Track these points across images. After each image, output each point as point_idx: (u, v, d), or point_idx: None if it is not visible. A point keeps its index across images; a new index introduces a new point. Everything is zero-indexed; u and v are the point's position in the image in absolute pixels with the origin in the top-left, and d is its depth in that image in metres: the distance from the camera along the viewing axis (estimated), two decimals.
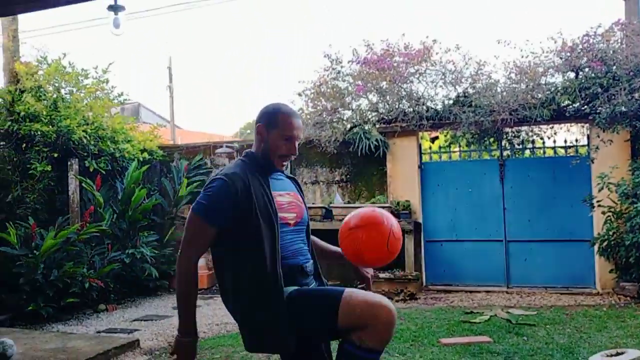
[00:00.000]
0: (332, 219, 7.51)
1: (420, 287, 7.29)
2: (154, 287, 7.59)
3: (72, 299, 6.22)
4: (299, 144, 2.29)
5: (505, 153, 7.64)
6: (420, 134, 7.92)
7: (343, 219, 7.48)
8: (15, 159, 7.20)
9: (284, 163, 2.29)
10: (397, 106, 7.93)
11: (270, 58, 50.45)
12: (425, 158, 7.99)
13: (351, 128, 8.00)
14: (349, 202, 7.84)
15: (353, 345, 2.00)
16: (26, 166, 7.05)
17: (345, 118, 8.24)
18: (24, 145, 7.27)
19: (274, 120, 2.23)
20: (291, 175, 2.49)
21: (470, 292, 7.27)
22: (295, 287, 2.15)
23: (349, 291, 2.05)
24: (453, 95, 7.85)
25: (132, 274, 7.18)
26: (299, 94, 8.50)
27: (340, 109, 8.24)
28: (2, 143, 7.44)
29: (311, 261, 2.32)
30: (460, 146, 8.04)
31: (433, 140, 8.45)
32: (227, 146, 8.54)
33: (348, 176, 8.09)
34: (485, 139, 7.68)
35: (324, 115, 8.17)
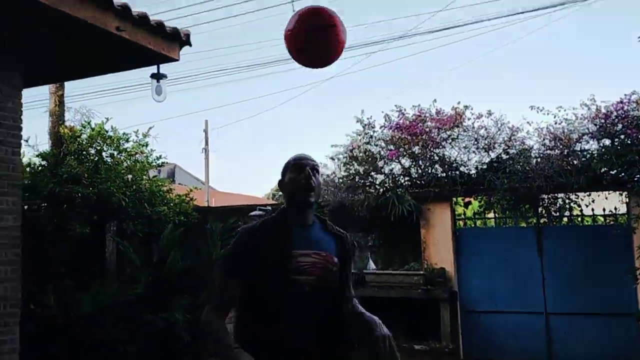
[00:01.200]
0: (365, 285, 7.40)
1: None
2: (186, 351, 7.49)
3: None
4: (315, 175, 2.25)
5: (542, 220, 7.51)
6: (454, 199, 7.88)
7: (377, 286, 7.40)
8: (55, 220, 7.38)
9: (310, 199, 2.21)
10: (429, 171, 7.96)
11: (303, 120, 51.57)
12: (460, 224, 7.90)
13: (384, 192, 8.00)
14: (382, 268, 7.76)
15: None
16: (66, 227, 7.21)
17: (377, 182, 8.28)
18: (64, 206, 7.46)
19: (285, 168, 2.31)
20: (339, 232, 2.33)
21: None
22: None
23: None
24: (486, 160, 7.85)
25: (165, 338, 7.12)
26: (332, 158, 8.63)
27: (372, 173, 8.30)
28: (43, 204, 7.66)
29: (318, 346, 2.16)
30: (495, 212, 7.95)
31: (467, 205, 8.39)
32: (260, 209, 8.62)
33: (381, 241, 8.04)
34: (521, 205, 7.58)
35: (357, 179, 8.24)
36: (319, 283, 2.15)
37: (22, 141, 5.30)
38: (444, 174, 7.84)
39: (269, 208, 8.66)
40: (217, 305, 2.17)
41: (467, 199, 8.20)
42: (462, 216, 8.05)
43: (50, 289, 6.31)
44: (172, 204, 8.34)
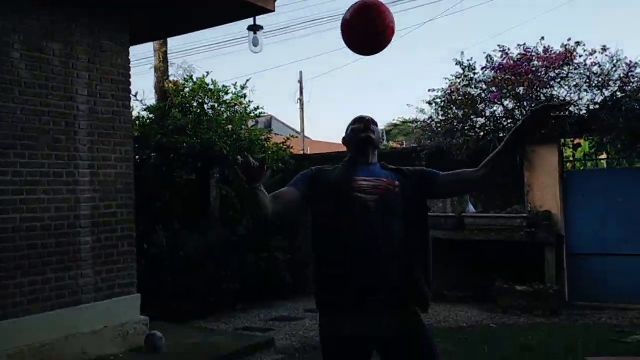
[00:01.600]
0: (464, 228, 7.26)
1: (562, 303, 6.79)
2: (286, 289, 7.83)
3: (213, 298, 6.60)
4: (372, 124, 2.47)
5: None
6: (562, 140, 7.42)
7: (476, 229, 7.21)
8: (164, 168, 7.83)
9: (370, 134, 2.42)
10: None
11: (397, 66, 50.54)
12: (567, 166, 7.46)
13: (484, 135, 7.70)
14: (482, 211, 7.53)
15: None
16: (173, 175, 7.63)
17: (477, 125, 7.96)
18: (172, 155, 7.88)
19: (347, 127, 2.54)
20: (397, 167, 2.47)
21: (622, 309, 6.59)
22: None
23: None
24: (599, 99, 7.28)
25: (266, 276, 7.46)
26: (429, 103, 8.37)
27: (472, 116, 7.98)
28: (152, 154, 8.13)
29: (392, 273, 2.23)
30: (607, 153, 7.41)
31: (576, 147, 7.89)
32: None
33: None
34: (637, 145, 7.00)
35: (455, 123, 7.96)
36: (381, 201, 2.28)
37: (131, 96, 5.61)
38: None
39: None
40: (273, 195, 2.37)
41: (576, 141, 7.70)
42: (571, 158, 7.58)
43: (161, 230, 6.77)
44: (270, 152, 8.55)
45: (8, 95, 4.43)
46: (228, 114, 8.59)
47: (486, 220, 7.13)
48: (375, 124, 2.51)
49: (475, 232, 7.02)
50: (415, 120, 9.44)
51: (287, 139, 9.43)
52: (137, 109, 9.10)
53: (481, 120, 8.00)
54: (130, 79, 5.53)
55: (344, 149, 2.56)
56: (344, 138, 2.55)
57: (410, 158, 8.04)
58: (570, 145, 7.69)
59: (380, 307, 2.21)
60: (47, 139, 4.67)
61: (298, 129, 16.87)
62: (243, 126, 8.64)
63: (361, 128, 2.44)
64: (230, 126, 8.38)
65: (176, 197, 7.55)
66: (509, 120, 7.78)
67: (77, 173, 4.89)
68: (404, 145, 11.95)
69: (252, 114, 9.05)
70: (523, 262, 7.06)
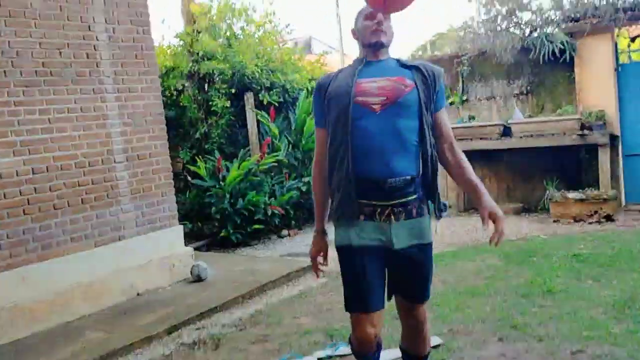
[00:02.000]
0: (511, 136, 6.90)
1: (618, 208, 6.45)
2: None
3: (257, 226, 6.61)
4: (386, 20, 2.22)
5: None
6: (616, 30, 6.78)
7: (524, 136, 6.84)
8: (199, 98, 7.69)
9: (381, 39, 2.21)
10: (586, 0, 6.86)
11: None
12: (623, 59, 6.86)
13: (531, 32, 7.16)
14: (530, 117, 7.11)
15: None
16: (209, 103, 7.50)
17: (523, 22, 7.38)
18: (205, 84, 7.72)
19: (357, 16, 2.31)
20: (414, 64, 2.26)
21: None
22: (349, 243, 2.21)
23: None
24: None
25: (309, 201, 7.39)
26: (469, 0, 7.81)
27: (517, 12, 7.39)
28: (186, 84, 7.99)
29: (398, 166, 2.10)
30: None
31: (633, 39, 7.21)
32: None
33: (528, 87, 7.28)
34: None
35: (499, 21, 7.41)
36: (389, 103, 2.11)
37: (159, 22, 5.36)
38: (604, 1, 6.69)
39: None
40: (316, 155, 2.34)
41: (633, 32, 7.02)
42: (627, 50, 6.95)
43: (202, 161, 6.74)
44: (304, 72, 8.27)
45: (24, 29, 4.28)
46: (258, 34, 8.29)
47: (535, 126, 6.71)
48: (389, 18, 2.27)
49: (523, 140, 6.65)
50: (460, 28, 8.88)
51: (322, 55, 9.07)
52: (167, 37, 8.89)
53: (527, 15, 7.41)
54: (148, 2, 5.28)
55: None
56: (353, 30, 2.35)
57: (451, 65, 7.61)
58: (627, 36, 7.03)
59: (389, 216, 2.12)
60: (70, 74, 4.57)
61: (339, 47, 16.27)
62: (275, 46, 8.34)
63: (372, 28, 2.22)
64: (261, 47, 8.10)
65: (214, 126, 7.45)
66: (557, 12, 7.15)
67: (105, 107, 4.79)
68: (449, 52, 11.26)
69: (283, 33, 8.71)
70: (575, 170, 6.70)
